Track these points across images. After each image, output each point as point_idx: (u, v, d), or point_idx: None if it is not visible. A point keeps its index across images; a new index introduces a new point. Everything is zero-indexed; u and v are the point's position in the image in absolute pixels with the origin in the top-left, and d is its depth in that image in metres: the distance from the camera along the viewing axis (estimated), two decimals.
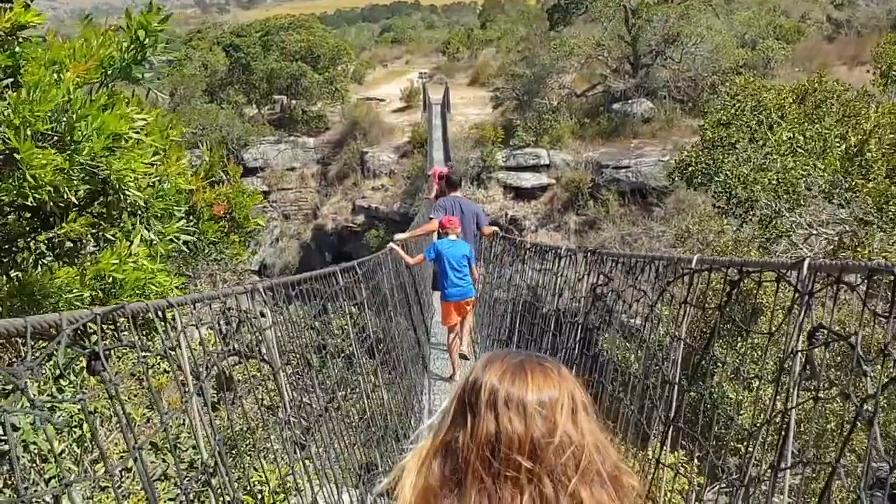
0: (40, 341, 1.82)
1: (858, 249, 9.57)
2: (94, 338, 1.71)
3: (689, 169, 14.95)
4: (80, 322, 1.56)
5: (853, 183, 10.47)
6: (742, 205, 12.65)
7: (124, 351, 5.12)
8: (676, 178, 16.88)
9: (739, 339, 7.47)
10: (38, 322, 1.46)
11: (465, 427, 1.27)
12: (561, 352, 5.21)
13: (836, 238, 10.24)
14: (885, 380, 1.68)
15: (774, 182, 11.79)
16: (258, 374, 6.42)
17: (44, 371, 4.38)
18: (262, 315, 3.43)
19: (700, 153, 14.83)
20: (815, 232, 10.67)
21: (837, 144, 11.99)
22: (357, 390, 6.69)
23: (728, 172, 12.90)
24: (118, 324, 1.92)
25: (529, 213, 30.91)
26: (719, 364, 6.87)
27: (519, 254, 9.65)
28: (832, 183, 11.13)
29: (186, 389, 2.00)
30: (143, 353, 1.82)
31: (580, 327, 4.90)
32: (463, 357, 9.00)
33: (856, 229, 10.01)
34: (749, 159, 12.84)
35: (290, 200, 38.27)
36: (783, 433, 2.00)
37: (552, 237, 27.97)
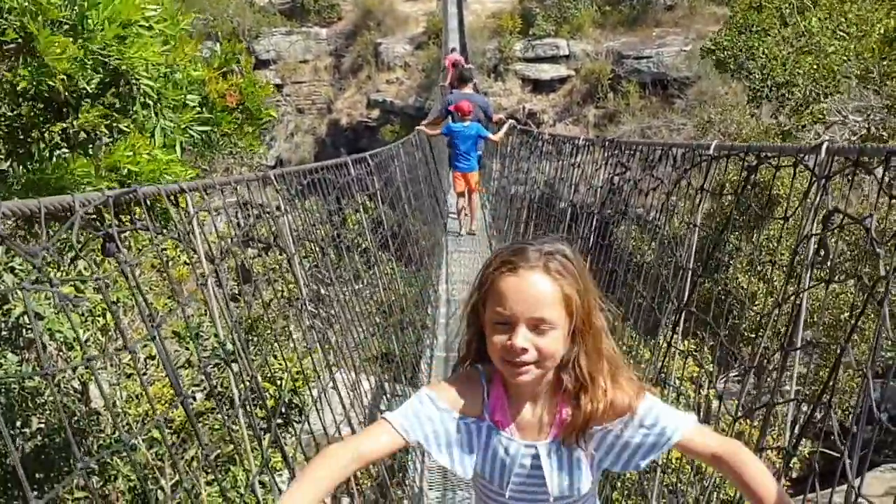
0: (56, 225, 1.83)
1: (888, 142, 9.38)
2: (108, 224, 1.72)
3: (718, 54, 14.50)
4: (92, 204, 1.57)
5: (888, 69, 10.15)
6: (779, 89, 12.33)
7: (142, 242, 5.18)
8: (707, 63, 16.40)
9: (755, 231, 7.45)
10: (51, 203, 1.47)
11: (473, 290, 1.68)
12: (576, 242, 5.22)
13: (865, 126, 10.01)
14: None
15: (815, 67, 11.45)
16: (277, 268, 6.51)
17: (64, 259, 4.45)
18: (278, 209, 3.44)
19: (731, 38, 14.33)
20: (844, 119, 10.43)
21: (878, 28, 11.55)
22: (374, 283, 6.78)
23: (766, 54, 12.51)
24: (132, 211, 1.93)
25: (548, 106, 30.38)
26: (733, 255, 6.88)
27: (536, 146, 9.60)
28: (866, 69, 10.79)
29: (201, 272, 2.03)
30: (158, 236, 1.83)
31: (595, 218, 4.88)
32: (471, 234, 11.01)
33: (885, 117, 9.78)
34: (786, 40, 12.42)
35: (303, 94, 37.74)
36: (794, 316, 2.02)
37: (570, 131, 27.55)
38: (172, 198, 1.97)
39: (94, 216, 1.85)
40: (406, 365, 6.13)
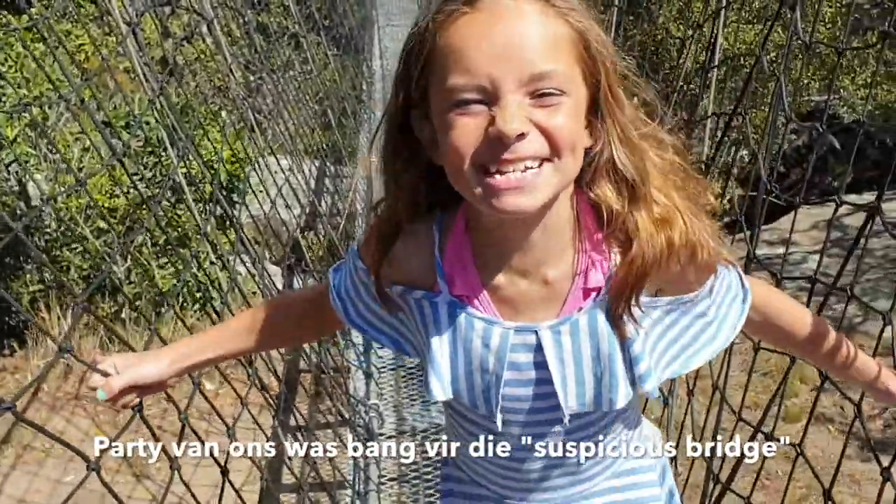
0: None
1: None
2: None
3: None
4: None
5: None
6: None
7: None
8: None
9: None
10: None
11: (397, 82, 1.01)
12: None
13: None
14: None
15: None
16: (204, 56, 6.27)
17: None
18: None
19: None
20: None
21: None
22: (306, 69, 6.64)
23: None
24: None
25: None
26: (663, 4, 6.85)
27: None
28: None
29: (119, 32, 1.97)
30: None
31: None
32: None
33: None
34: None
35: None
36: (713, 37, 2.07)
37: None
38: None
39: None
40: (346, 145, 6.17)
